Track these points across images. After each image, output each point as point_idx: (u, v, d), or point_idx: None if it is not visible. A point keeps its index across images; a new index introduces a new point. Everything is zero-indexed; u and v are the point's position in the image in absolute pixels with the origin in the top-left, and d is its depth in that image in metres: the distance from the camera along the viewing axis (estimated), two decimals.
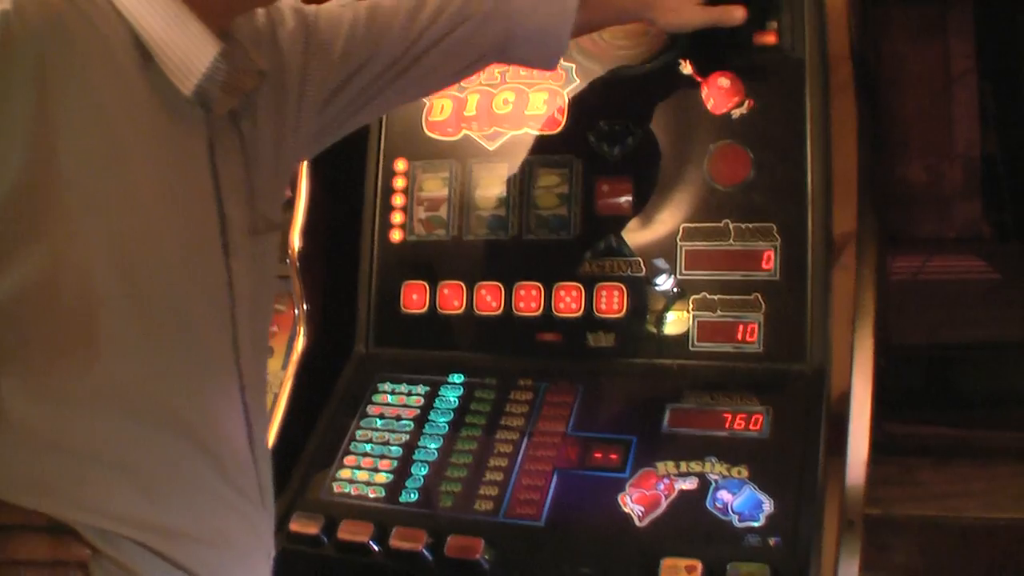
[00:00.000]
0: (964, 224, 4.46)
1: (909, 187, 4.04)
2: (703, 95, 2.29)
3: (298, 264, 2.51)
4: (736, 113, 2.28)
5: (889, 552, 3.24)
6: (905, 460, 3.52)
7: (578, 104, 2.42)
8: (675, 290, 2.27)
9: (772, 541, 1.90)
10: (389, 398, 2.38)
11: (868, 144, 2.54)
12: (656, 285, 2.29)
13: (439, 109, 2.53)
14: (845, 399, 2.38)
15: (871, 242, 2.50)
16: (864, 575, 2.52)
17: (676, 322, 2.28)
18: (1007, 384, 4.07)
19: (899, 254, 3.95)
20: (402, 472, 2.22)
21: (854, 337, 2.38)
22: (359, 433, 2.32)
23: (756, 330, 2.21)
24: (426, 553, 2.04)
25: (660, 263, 2.28)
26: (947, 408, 3.88)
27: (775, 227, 2.22)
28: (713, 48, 2.30)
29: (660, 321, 2.29)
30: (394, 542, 2.07)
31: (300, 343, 2.51)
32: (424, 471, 2.20)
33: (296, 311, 2.54)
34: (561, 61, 2.18)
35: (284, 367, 2.52)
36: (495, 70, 2.48)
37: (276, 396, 2.47)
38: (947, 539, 3.25)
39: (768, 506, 1.95)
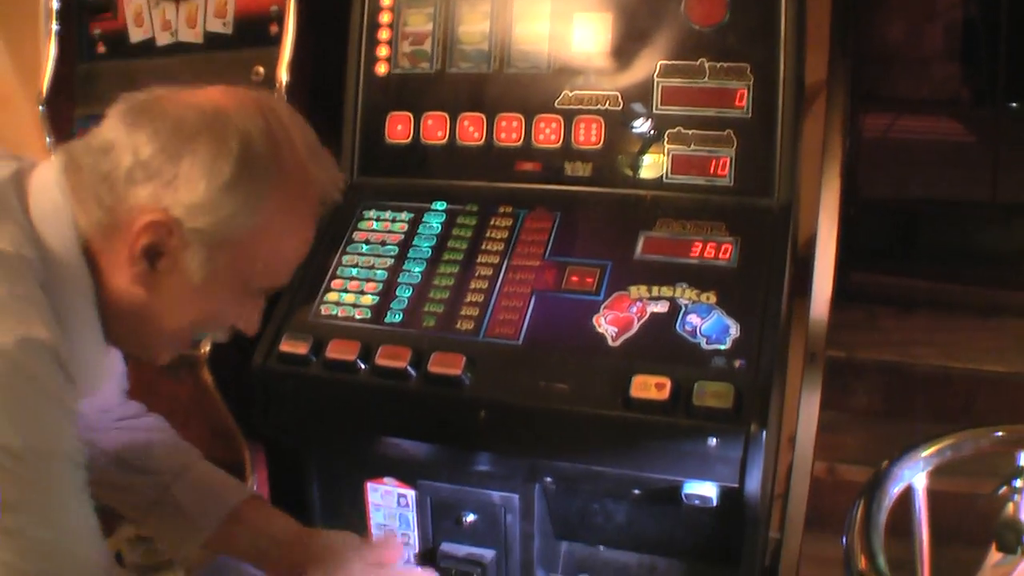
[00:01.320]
0: (941, 86, 4.56)
1: (888, 46, 4.11)
2: None
3: (285, 97, 2.56)
4: None
5: (851, 394, 3.40)
6: (870, 308, 3.67)
7: None
8: (651, 132, 2.37)
9: (737, 363, 2.02)
10: (374, 225, 2.45)
11: None
12: (633, 127, 2.39)
13: None
14: (811, 241, 2.51)
15: (841, 91, 2.61)
16: (826, 414, 2.67)
17: (652, 165, 2.37)
18: (971, 242, 4.21)
19: (874, 111, 4.03)
20: (387, 295, 2.31)
21: (821, 180, 2.50)
22: (345, 259, 2.40)
23: (728, 164, 2.31)
24: (410, 369, 2.15)
25: (638, 107, 2.37)
26: (912, 261, 4.03)
27: (749, 67, 2.30)
28: None
29: (636, 163, 2.39)
30: (380, 360, 2.17)
31: None
32: (408, 293, 2.29)
33: None
34: None
35: None
36: None
37: None
38: (907, 384, 3.40)
39: (734, 331, 2.06)
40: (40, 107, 3.05)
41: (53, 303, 1.46)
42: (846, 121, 2.59)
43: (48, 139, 3.05)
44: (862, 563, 1.63)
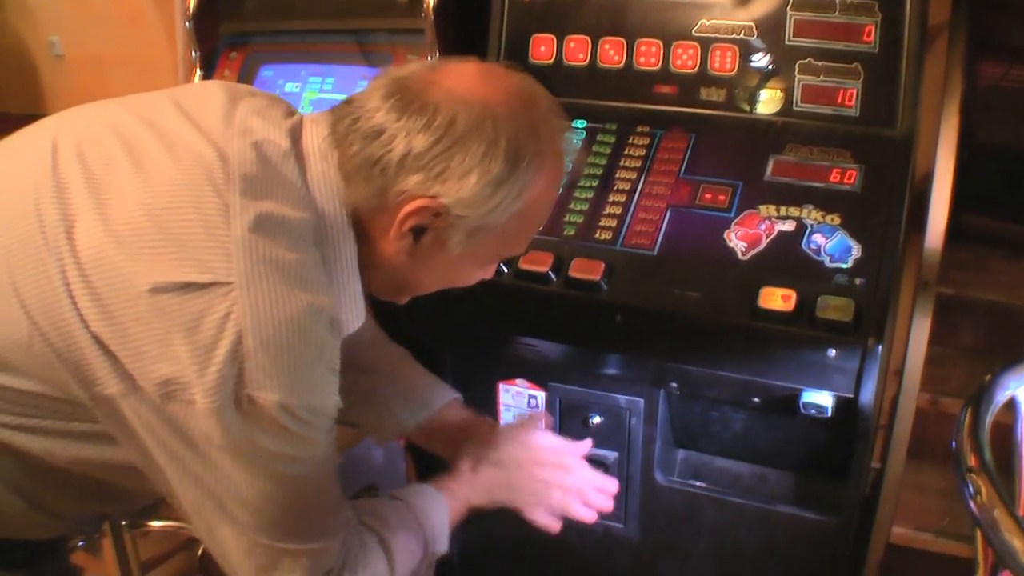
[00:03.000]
0: None
1: None
2: None
3: (432, 17, 2.78)
4: None
5: (957, 331, 3.58)
6: (977, 249, 3.83)
7: None
8: (770, 67, 2.57)
9: (858, 281, 2.22)
10: None
11: None
12: (752, 62, 2.59)
13: None
14: (926, 177, 2.70)
15: (963, 31, 2.78)
16: (932, 348, 2.85)
17: (768, 100, 2.58)
18: None
19: (989, 59, 4.14)
20: None
21: (940, 118, 2.69)
22: None
23: (854, 96, 2.49)
24: (551, 274, 2.37)
25: (756, 42, 2.57)
26: (1020, 207, 4.17)
27: (877, 5, 2.49)
28: None
29: (753, 98, 2.59)
30: (523, 264, 2.39)
31: None
32: None
33: (429, 59, 2.80)
34: None
35: None
36: None
37: None
38: (1012, 324, 3.57)
39: (856, 251, 2.26)
40: (187, 23, 3.26)
41: (325, 261, 1.67)
42: (965, 62, 2.76)
43: (194, 54, 3.27)
44: (972, 460, 1.81)
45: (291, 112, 1.79)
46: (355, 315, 1.79)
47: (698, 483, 2.60)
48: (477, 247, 1.74)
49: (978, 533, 1.92)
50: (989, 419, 1.96)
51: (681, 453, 2.68)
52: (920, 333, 2.77)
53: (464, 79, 1.68)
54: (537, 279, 2.39)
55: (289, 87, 3.14)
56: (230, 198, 1.56)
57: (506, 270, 2.42)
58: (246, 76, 3.21)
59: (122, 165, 1.61)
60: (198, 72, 3.26)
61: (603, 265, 2.35)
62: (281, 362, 1.54)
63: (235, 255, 1.53)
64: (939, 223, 2.72)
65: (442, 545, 2.04)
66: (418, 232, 1.69)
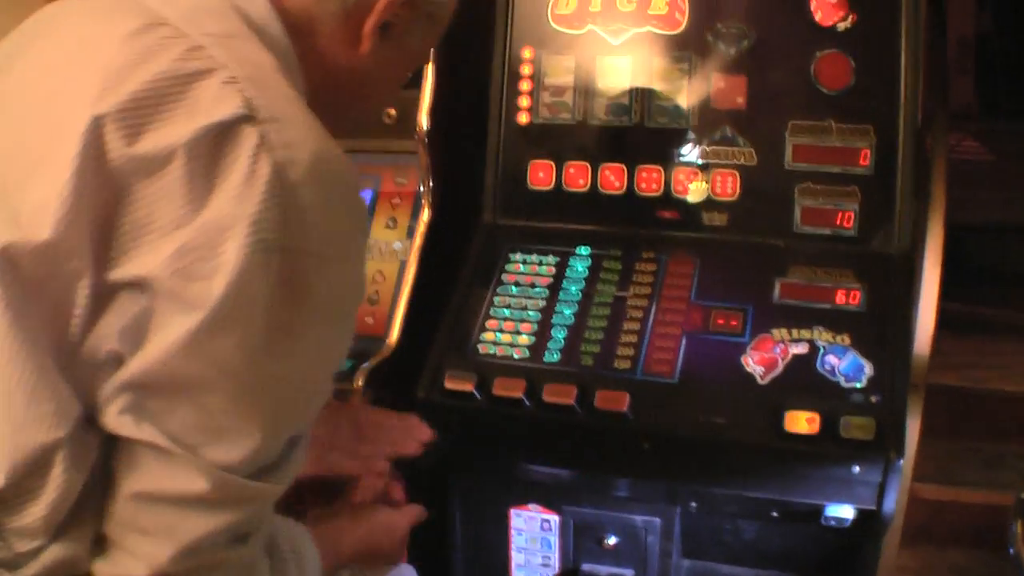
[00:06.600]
0: (956, 101, 4.88)
1: None
2: (811, 7, 2.70)
3: (425, 141, 2.82)
4: (841, 26, 2.68)
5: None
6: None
7: (697, 7, 2.78)
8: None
9: (873, 399, 2.36)
10: (521, 267, 2.74)
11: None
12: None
13: (564, 3, 2.87)
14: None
15: (942, 142, 2.93)
16: None
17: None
18: (1013, 265, 4.57)
19: None
20: (542, 335, 2.59)
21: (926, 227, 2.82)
22: (497, 299, 2.69)
23: (852, 217, 2.66)
24: (577, 406, 2.45)
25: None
26: (959, 285, 4.37)
27: (872, 129, 2.66)
28: None
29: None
30: (547, 396, 2.46)
31: (426, 215, 2.83)
32: (563, 334, 2.58)
33: (421, 187, 2.86)
34: None
35: (409, 237, 2.88)
36: None
37: (404, 264, 2.84)
38: (967, 406, 3.75)
39: (868, 370, 2.40)
40: None
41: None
42: (947, 169, 2.90)
43: None
44: None
45: None
46: None
47: None
48: (427, 43, 1.76)
49: None
50: None
51: (686, 562, 2.76)
52: (912, 433, 2.91)
53: None
54: (563, 412, 2.47)
55: None
56: None
57: (528, 403, 2.50)
58: None
59: None
60: None
61: (628, 396, 2.44)
62: None
63: None
64: (927, 326, 2.86)
65: None
66: (385, 27, 1.62)
